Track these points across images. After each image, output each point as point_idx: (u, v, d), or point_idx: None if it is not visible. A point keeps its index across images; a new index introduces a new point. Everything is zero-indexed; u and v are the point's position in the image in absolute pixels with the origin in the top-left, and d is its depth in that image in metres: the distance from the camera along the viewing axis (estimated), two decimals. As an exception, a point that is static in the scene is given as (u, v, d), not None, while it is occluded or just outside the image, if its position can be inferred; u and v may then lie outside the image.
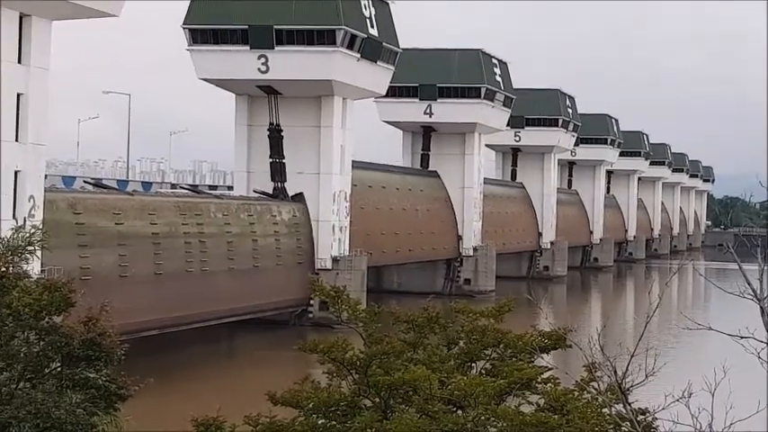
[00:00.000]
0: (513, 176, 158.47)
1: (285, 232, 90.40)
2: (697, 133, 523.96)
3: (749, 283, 15.01)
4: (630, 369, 15.29)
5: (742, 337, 15.48)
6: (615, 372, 15.00)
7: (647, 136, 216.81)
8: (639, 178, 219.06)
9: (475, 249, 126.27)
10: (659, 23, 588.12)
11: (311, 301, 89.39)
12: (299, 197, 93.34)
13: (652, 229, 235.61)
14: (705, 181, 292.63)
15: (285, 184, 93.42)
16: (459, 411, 23.64)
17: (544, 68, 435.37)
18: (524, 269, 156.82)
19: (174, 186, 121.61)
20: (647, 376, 16.32)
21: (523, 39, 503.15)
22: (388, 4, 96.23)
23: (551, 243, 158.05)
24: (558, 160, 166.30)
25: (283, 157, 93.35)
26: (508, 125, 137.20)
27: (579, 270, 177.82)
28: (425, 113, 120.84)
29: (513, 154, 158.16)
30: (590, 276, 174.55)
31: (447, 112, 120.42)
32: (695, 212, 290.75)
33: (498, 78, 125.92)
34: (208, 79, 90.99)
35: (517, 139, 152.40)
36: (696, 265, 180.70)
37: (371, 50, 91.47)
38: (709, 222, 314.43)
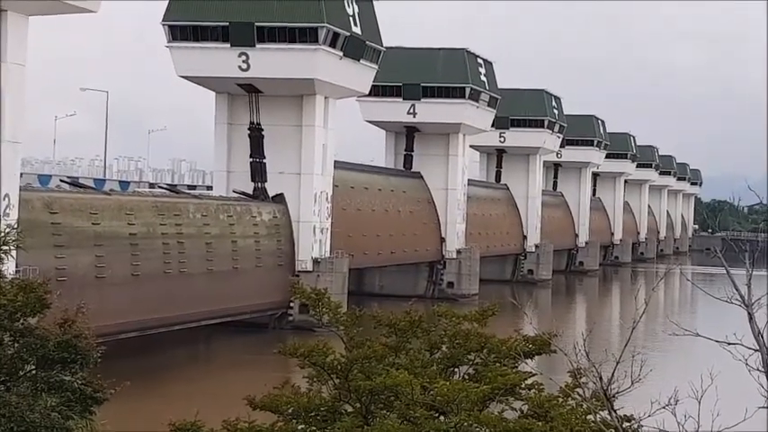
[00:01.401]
0: (498, 178, 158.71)
1: (265, 233, 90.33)
2: (684, 135, 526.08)
3: (737, 289, 15.04)
4: (616, 375, 15.32)
5: (729, 344, 15.51)
6: (600, 378, 15.03)
7: (634, 138, 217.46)
8: (626, 181, 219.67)
9: (458, 252, 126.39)
10: (654, 23, 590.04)
11: (291, 304, 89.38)
12: (279, 198, 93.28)
13: (638, 233, 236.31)
14: (693, 184, 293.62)
15: (265, 185, 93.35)
16: (442, 417, 23.64)
17: (534, 70, 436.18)
18: (508, 272, 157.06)
19: (152, 186, 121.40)
20: (632, 383, 16.35)
21: (519, 40, 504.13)
22: (371, 1, 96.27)
23: (536, 246, 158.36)
24: (544, 162, 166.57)
25: (264, 157, 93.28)
26: (493, 126, 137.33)
27: (564, 274, 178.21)
28: (409, 113, 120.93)
29: (498, 155, 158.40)
30: (575, 280, 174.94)
31: (431, 112, 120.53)
32: (682, 216, 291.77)
33: (483, 78, 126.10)
34: (187, 77, 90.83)
35: (502, 140, 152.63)
36: (683, 270, 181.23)
37: (354, 49, 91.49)
38: (697, 226, 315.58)
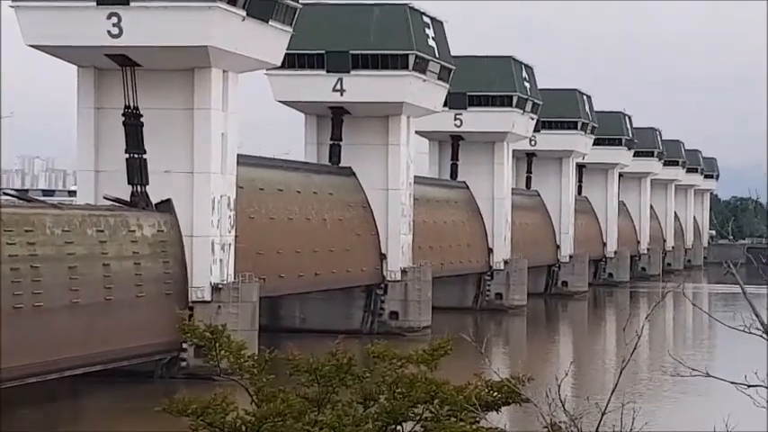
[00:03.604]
0: (454, 174, 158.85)
1: (147, 253, 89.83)
2: (695, 116, 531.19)
3: (757, 315, 15.18)
4: (602, 430, 15.42)
5: (749, 386, 15.68)
6: (581, 434, 15.12)
7: (629, 118, 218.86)
8: (621, 174, 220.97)
9: (404, 272, 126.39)
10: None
11: (184, 345, 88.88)
12: (166, 205, 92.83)
13: (638, 242, 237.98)
14: (707, 177, 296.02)
15: (147, 188, 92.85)
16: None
17: (500, 37, 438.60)
18: (470, 297, 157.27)
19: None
20: (623, 440, 16.47)
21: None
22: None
23: (505, 262, 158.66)
24: (513, 151, 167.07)
25: (144, 152, 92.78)
26: (446, 105, 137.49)
27: (543, 297, 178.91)
28: (335, 90, 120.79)
29: (454, 144, 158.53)
30: (557, 306, 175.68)
31: (364, 88, 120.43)
32: (695, 219, 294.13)
33: (432, 43, 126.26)
34: (39, 46, 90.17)
35: (458, 123, 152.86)
36: (695, 289, 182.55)
37: (261, 6, 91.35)
38: (713, 232, 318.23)
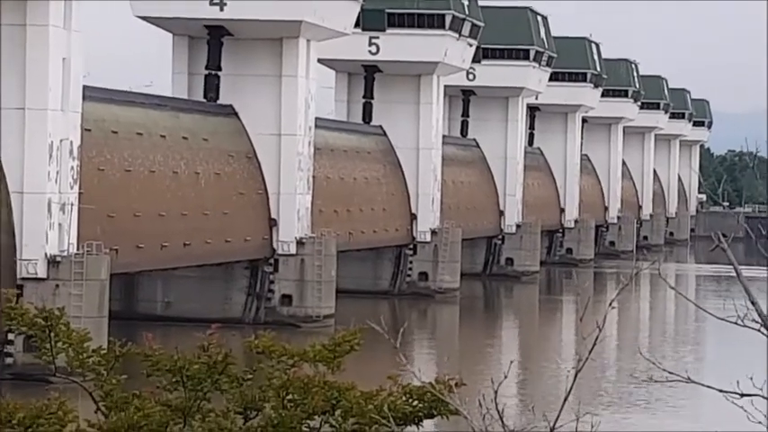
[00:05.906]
0: (368, 116, 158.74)
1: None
2: (684, 46, 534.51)
3: (754, 303, 15.31)
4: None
5: (743, 395, 15.82)
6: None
7: (597, 46, 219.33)
8: (585, 120, 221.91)
9: (300, 243, 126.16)
10: None
11: (10, 336, 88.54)
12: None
13: (606, 209, 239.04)
14: (697, 125, 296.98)
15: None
16: None
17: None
18: (387, 278, 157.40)
19: None
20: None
21: None
22: None
23: (433, 232, 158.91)
24: (446, 88, 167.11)
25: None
26: (357, 26, 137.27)
27: (481, 279, 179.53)
28: (213, 4, 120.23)
29: (368, 77, 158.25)
30: (499, 290, 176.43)
31: (250, 2, 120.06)
32: (680, 179, 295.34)
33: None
34: None
35: (374, 50, 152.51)
36: (679, 270, 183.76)
37: None
38: (704, 197, 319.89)
